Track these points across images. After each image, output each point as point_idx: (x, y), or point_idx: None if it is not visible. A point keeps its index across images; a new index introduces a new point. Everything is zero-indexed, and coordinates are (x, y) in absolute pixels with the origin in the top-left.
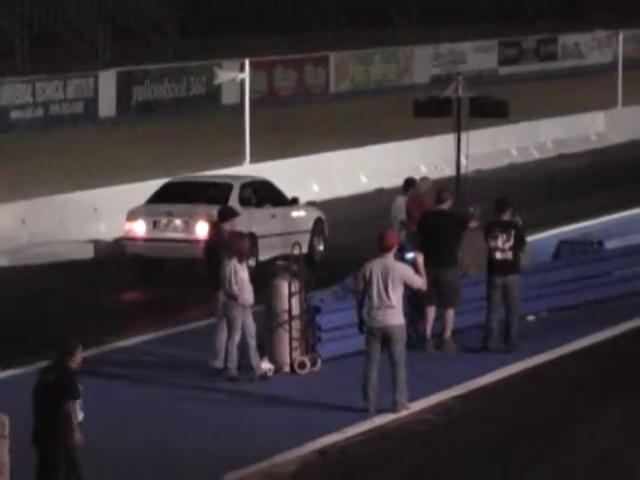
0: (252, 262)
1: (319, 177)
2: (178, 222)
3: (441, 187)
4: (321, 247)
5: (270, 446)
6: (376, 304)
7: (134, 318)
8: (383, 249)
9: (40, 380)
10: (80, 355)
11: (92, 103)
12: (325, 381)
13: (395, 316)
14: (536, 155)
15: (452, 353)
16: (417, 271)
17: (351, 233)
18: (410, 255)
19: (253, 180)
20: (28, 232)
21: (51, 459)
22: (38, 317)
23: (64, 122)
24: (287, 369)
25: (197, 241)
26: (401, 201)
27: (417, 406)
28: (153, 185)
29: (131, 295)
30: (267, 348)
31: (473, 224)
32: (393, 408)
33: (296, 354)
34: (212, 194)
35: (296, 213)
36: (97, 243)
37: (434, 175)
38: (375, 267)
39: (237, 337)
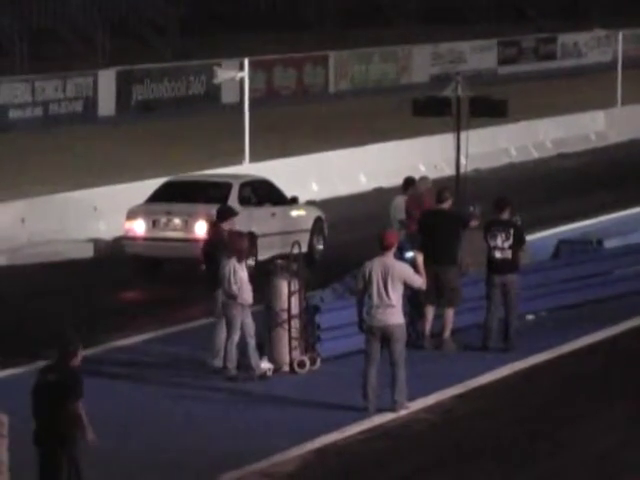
0: (251, 261)
1: (318, 176)
2: (177, 221)
3: (441, 186)
4: (321, 246)
5: (269, 445)
6: (376, 303)
7: (134, 317)
8: (383, 248)
9: (40, 380)
10: (81, 354)
11: (91, 102)
12: (324, 380)
13: (395, 315)
14: (535, 154)
15: (451, 353)
16: (417, 270)
17: (350, 232)
18: (409, 254)
19: (252, 179)
20: (27, 231)
21: (53, 458)
22: (37, 316)
23: (63, 121)
24: (286, 368)
25: (196, 240)
26: (400, 200)
27: (416, 405)
28: (153, 184)
29: (131, 294)
30: (266, 347)
31: (473, 223)
32: (393, 407)
33: (295, 353)
34: (211, 193)
35: (295, 212)
36: (97, 242)
37: (433, 174)
38: (375, 266)
39: (236, 336)
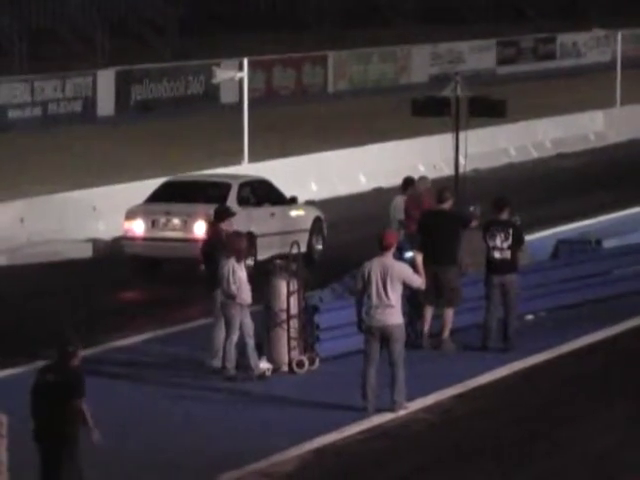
0: (250, 261)
1: (318, 176)
2: (177, 221)
3: (442, 187)
4: (320, 246)
5: (268, 445)
6: (375, 303)
7: (132, 317)
8: (382, 248)
9: (39, 379)
10: (80, 354)
11: (91, 102)
12: (323, 380)
13: (394, 315)
14: (534, 154)
15: (450, 353)
16: (416, 270)
17: (350, 232)
18: (409, 254)
19: (252, 179)
20: (27, 231)
21: (54, 457)
22: (36, 316)
23: (62, 121)
24: (285, 368)
25: (196, 240)
26: (400, 200)
27: (415, 405)
28: (152, 184)
29: (130, 294)
30: (265, 347)
31: (474, 223)
32: (392, 407)
33: (294, 353)
34: (211, 193)
35: (295, 212)
36: (96, 242)
37: (432, 174)
38: (374, 266)
39: (235, 336)
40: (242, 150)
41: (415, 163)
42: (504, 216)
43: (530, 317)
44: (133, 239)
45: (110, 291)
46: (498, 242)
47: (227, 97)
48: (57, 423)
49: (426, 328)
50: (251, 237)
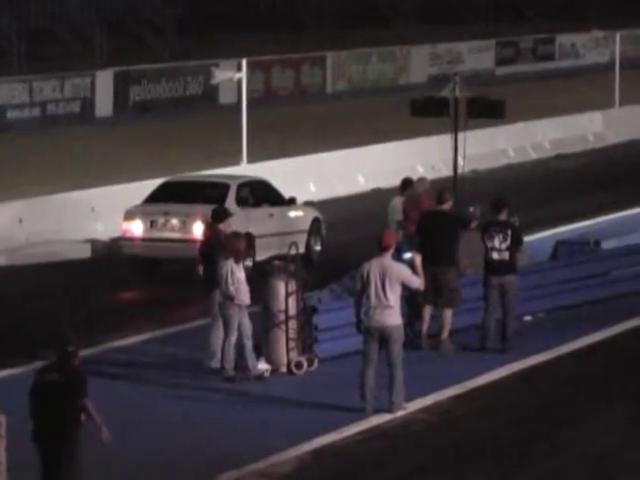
0: (249, 262)
1: (316, 177)
2: (175, 222)
3: (442, 187)
4: (318, 247)
5: (267, 446)
6: (374, 304)
7: (131, 318)
8: (381, 249)
9: (38, 380)
10: (80, 354)
11: (89, 103)
12: (322, 381)
13: (393, 316)
14: (533, 155)
15: (449, 353)
16: (415, 271)
17: (348, 233)
18: (408, 255)
19: (250, 180)
20: (25, 232)
21: (54, 457)
22: (35, 317)
23: (61, 122)
24: (284, 369)
25: (194, 241)
26: (398, 201)
27: (414, 406)
28: (150, 185)
29: (128, 295)
30: (264, 348)
31: (474, 224)
32: (390, 408)
33: (293, 354)
34: (209, 194)
35: (293, 213)
36: (94, 243)
37: (431, 175)
38: (373, 267)
39: (233, 337)
40: (241, 150)
41: (414, 164)
42: (503, 217)
43: (529, 318)
44: (132, 239)
45: (109, 291)
46: (497, 243)
47: (226, 97)
48: (57, 423)
49: (425, 329)
50: (250, 238)
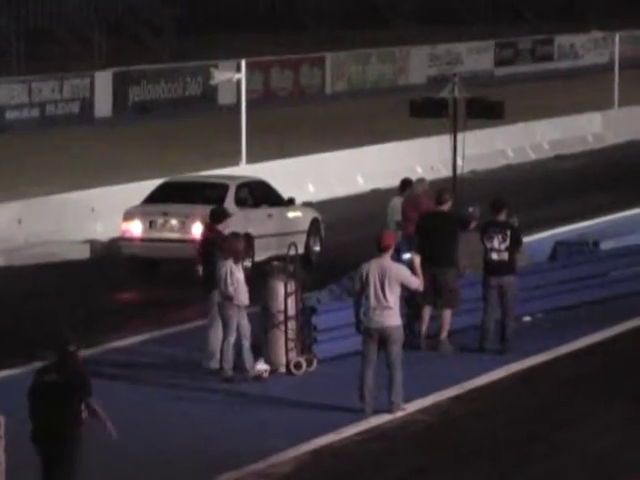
0: (248, 263)
1: (315, 177)
2: (174, 222)
3: (441, 188)
4: (317, 247)
5: (266, 446)
6: (373, 305)
7: (130, 318)
8: (380, 250)
9: (37, 380)
10: (80, 353)
11: (88, 103)
12: (321, 382)
13: (392, 317)
14: (532, 156)
15: (448, 354)
16: (414, 272)
17: (347, 234)
18: (407, 256)
19: (249, 180)
20: (24, 232)
21: (55, 458)
22: (34, 317)
23: (60, 122)
24: (283, 370)
25: (193, 241)
26: (397, 202)
27: (413, 407)
28: (149, 185)
29: (127, 295)
30: (263, 349)
31: (473, 225)
32: (389, 409)
33: (292, 355)
34: (208, 194)
35: (292, 213)
36: (93, 243)
37: (430, 176)
38: (372, 268)
39: (232, 338)
40: (240, 151)
41: (413, 164)
42: (502, 217)
43: (528, 318)
44: (131, 240)
45: (108, 292)
46: (496, 244)
47: (225, 98)
48: (57, 424)
49: (424, 329)
50: (249, 238)
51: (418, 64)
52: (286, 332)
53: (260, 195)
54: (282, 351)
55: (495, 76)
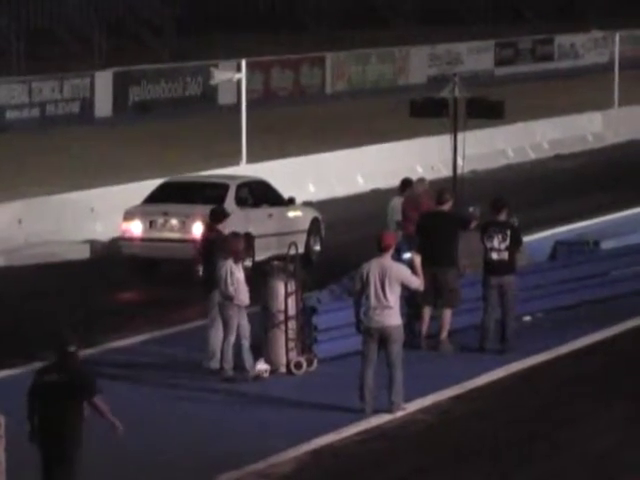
0: (248, 262)
1: (316, 177)
2: (175, 222)
3: (442, 188)
4: (317, 247)
5: (266, 446)
6: (373, 304)
7: (130, 318)
8: (381, 250)
9: (37, 380)
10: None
11: (88, 103)
12: (321, 381)
13: (393, 317)
14: (532, 156)
15: (448, 354)
16: (414, 272)
17: (348, 233)
18: (407, 256)
19: (250, 180)
20: (24, 232)
21: (55, 458)
22: (34, 317)
23: (60, 122)
24: (283, 369)
25: (194, 241)
26: (397, 202)
27: (413, 406)
28: (149, 185)
29: (127, 295)
30: (263, 349)
31: (473, 224)
32: (389, 408)
33: (292, 354)
34: (209, 194)
35: (293, 213)
36: (93, 243)
37: (430, 176)
38: (372, 268)
39: (232, 338)
40: (240, 151)
41: (413, 164)
42: (502, 217)
43: (528, 318)
44: (131, 240)
45: (108, 292)
46: (496, 243)
47: (225, 98)
48: (58, 424)
49: (424, 329)
50: (249, 238)
51: (418, 64)
52: (286, 332)
53: (260, 195)
54: (282, 351)
55: (495, 76)
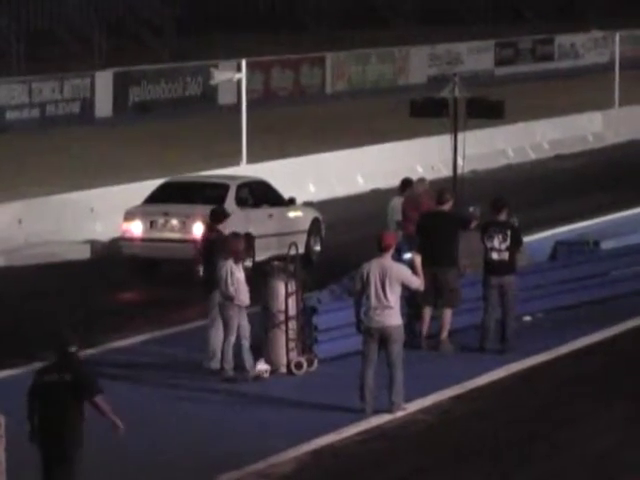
0: (249, 263)
1: (316, 177)
2: (175, 222)
3: (442, 188)
4: (318, 247)
5: (266, 446)
6: (374, 304)
7: (131, 318)
8: (381, 250)
9: (37, 380)
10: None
11: (88, 103)
12: (321, 382)
13: (393, 317)
14: (533, 156)
15: (449, 354)
16: (414, 272)
17: (348, 233)
18: (407, 256)
19: (250, 180)
20: (24, 232)
21: (55, 458)
22: (34, 317)
23: (60, 122)
24: (283, 370)
25: (194, 241)
26: (398, 202)
27: (414, 406)
28: (150, 185)
29: (128, 295)
30: (263, 349)
31: (474, 224)
32: (390, 408)
33: (293, 355)
34: (209, 194)
35: (293, 213)
36: (93, 243)
37: (431, 176)
38: (373, 268)
39: (233, 338)
40: (240, 151)
41: (413, 164)
42: (502, 217)
43: (528, 318)
44: (131, 240)
45: (108, 292)
46: (496, 243)
47: (225, 98)
48: (58, 424)
49: (424, 329)
50: (249, 238)
51: (418, 64)
52: (287, 332)
53: (261, 195)
54: (283, 351)
55: (495, 76)
